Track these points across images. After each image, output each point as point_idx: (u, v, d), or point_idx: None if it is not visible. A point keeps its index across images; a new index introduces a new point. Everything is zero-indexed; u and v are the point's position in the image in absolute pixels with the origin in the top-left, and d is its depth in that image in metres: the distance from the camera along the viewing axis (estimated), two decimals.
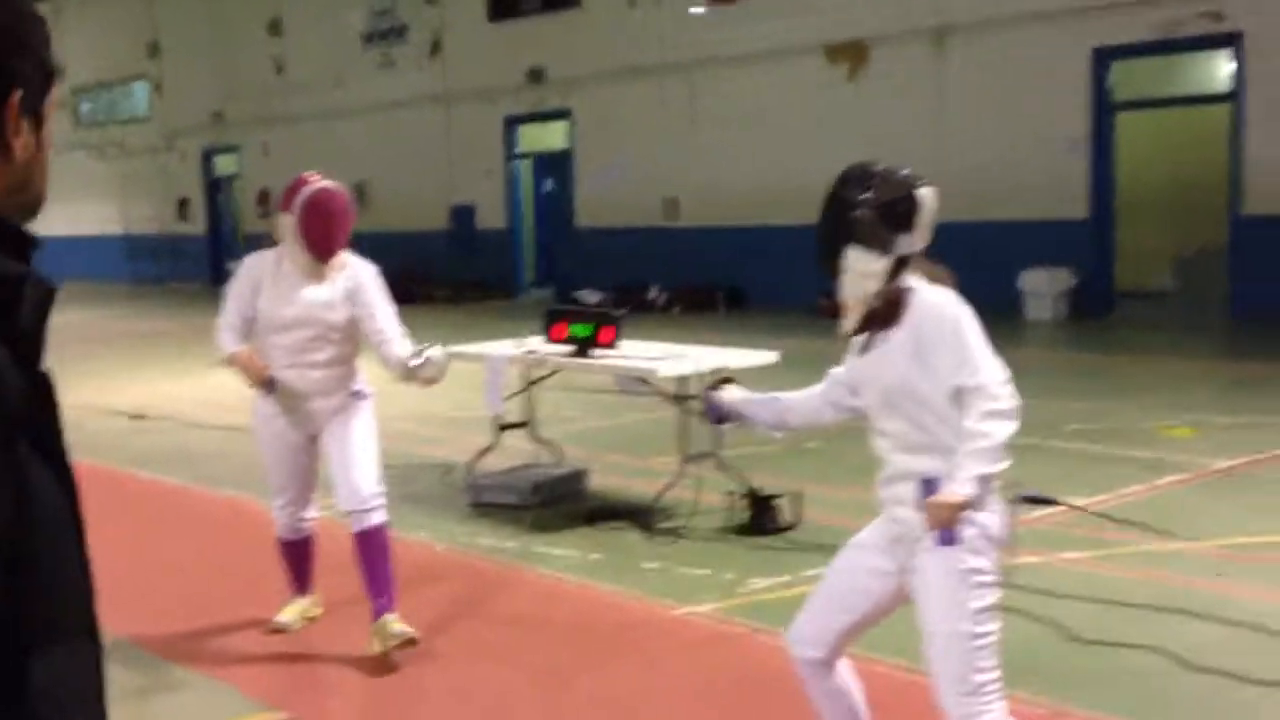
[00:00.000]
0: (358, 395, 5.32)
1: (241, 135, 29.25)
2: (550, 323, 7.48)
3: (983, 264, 16.63)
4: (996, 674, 3.26)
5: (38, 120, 1.40)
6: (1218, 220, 15.77)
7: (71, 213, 34.97)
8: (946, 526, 3.15)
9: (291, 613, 5.56)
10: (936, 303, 3.29)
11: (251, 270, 5.25)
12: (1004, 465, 3.19)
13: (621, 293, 20.01)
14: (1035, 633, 5.20)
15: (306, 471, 5.41)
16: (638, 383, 7.23)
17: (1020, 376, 11.60)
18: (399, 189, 25.01)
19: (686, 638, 5.33)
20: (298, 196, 5.09)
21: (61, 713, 1.26)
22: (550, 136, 22.89)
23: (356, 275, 5.23)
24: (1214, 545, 6.37)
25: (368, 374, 5.42)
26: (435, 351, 5.18)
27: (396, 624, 5.08)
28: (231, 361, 5.18)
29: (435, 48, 24.14)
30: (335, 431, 5.23)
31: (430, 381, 5.20)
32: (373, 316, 5.20)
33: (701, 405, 3.97)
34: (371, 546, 5.15)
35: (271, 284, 5.17)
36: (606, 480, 8.07)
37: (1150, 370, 12.49)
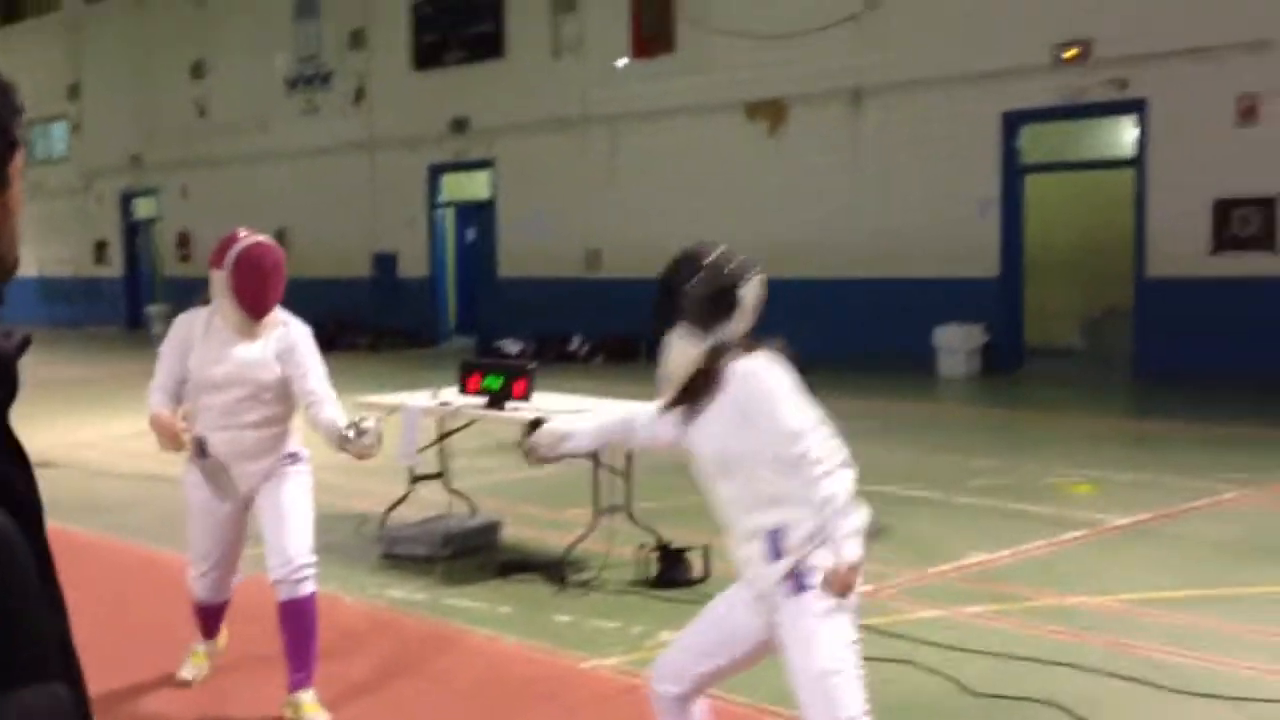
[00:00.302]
0: (293, 458, 5.17)
1: (161, 178, 29.05)
2: (465, 375, 7.55)
3: (897, 319, 17.00)
4: (865, 707, 3.37)
5: (2, 185, 1.40)
6: (1124, 281, 16.20)
7: None
8: (849, 589, 3.26)
9: (196, 661, 5.49)
10: (750, 369, 3.46)
11: (181, 330, 5.10)
12: (865, 512, 3.33)
13: (543, 342, 20.09)
14: (930, 685, 5.33)
15: (234, 540, 5.25)
16: None
17: (930, 431, 11.87)
18: (321, 236, 24.94)
19: (595, 691, 5.39)
20: (230, 252, 4.95)
21: None
22: (473, 186, 23.01)
23: (289, 335, 5.10)
24: (1110, 600, 6.56)
25: (302, 436, 5.31)
26: (371, 424, 5.02)
27: (314, 709, 5.00)
28: (151, 423, 4.97)
29: (359, 95, 24.19)
30: (269, 495, 5.08)
31: (365, 454, 5.04)
32: (305, 377, 5.05)
33: (523, 449, 4.09)
34: (298, 617, 5.01)
35: (202, 342, 5.02)
36: (520, 532, 8.12)
37: (1055, 427, 12.80)
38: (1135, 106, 15.40)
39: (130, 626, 6.37)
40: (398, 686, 5.49)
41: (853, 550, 3.26)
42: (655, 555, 6.98)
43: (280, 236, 25.63)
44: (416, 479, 8.11)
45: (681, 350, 3.52)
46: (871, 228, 17.58)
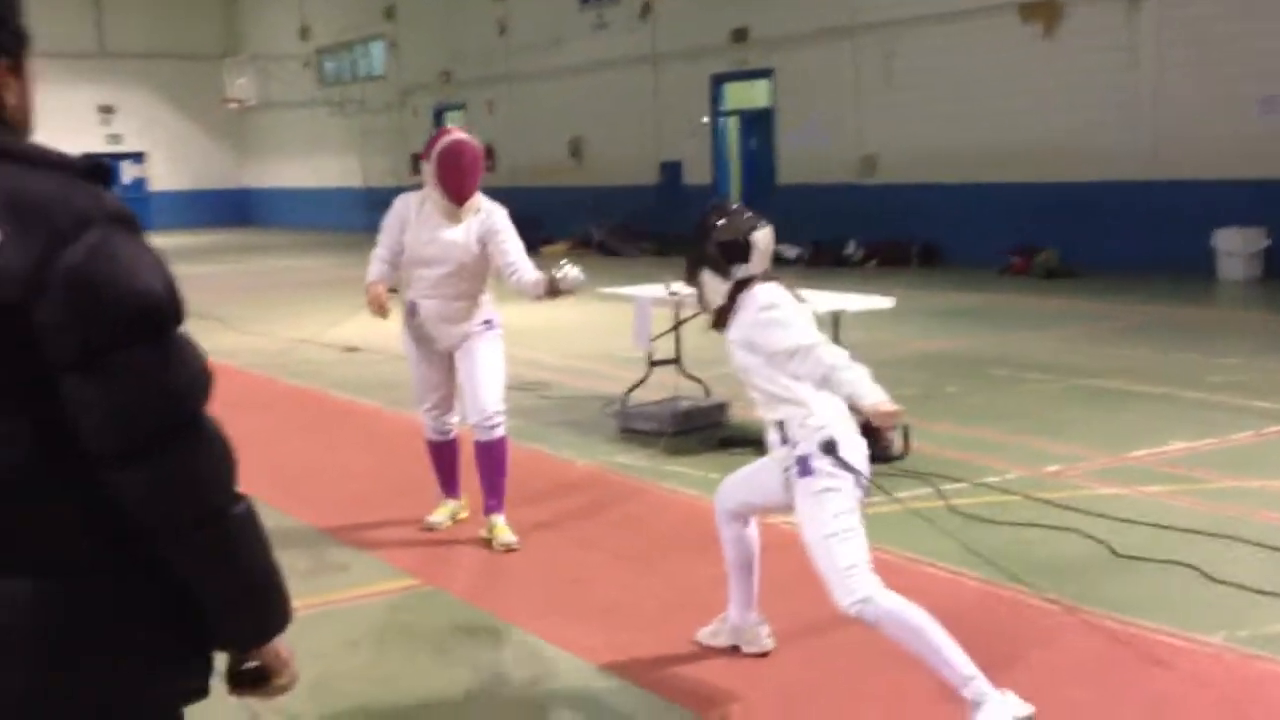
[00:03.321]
0: (488, 324, 6.06)
1: (469, 93, 30.77)
2: None
3: (1175, 223, 16.71)
4: (862, 558, 3.99)
5: (22, 71, 1.90)
6: None
7: (315, 166, 37.31)
8: (893, 421, 3.91)
9: (441, 514, 6.39)
10: (755, 296, 4.18)
11: (399, 210, 6.03)
12: (863, 369, 3.90)
13: (819, 247, 20.62)
14: (1082, 548, 5.79)
15: (446, 383, 6.19)
16: None
17: (1185, 332, 12.13)
18: (611, 146, 26.06)
19: (773, 541, 6.06)
20: (436, 146, 5.85)
21: None
22: (754, 94, 23.53)
23: (489, 218, 5.94)
24: None
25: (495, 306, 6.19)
26: (573, 269, 5.87)
27: (504, 530, 5.97)
28: (367, 289, 6.03)
29: (645, 9, 25.01)
30: (467, 354, 6.01)
31: (567, 293, 5.87)
32: (506, 253, 5.91)
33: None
34: (491, 456, 6.01)
35: (415, 223, 5.93)
36: (748, 413, 8.81)
37: None
38: None
39: (402, 480, 7.42)
40: (595, 528, 6.38)
41: (875, 395, 3.84)
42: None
43: (574, 147, 27.03)
44: (654, 364, 8.90)
45: (712, 289, 4.28)
46: (1149, 129, 17.25)
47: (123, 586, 1.85)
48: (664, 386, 8.95)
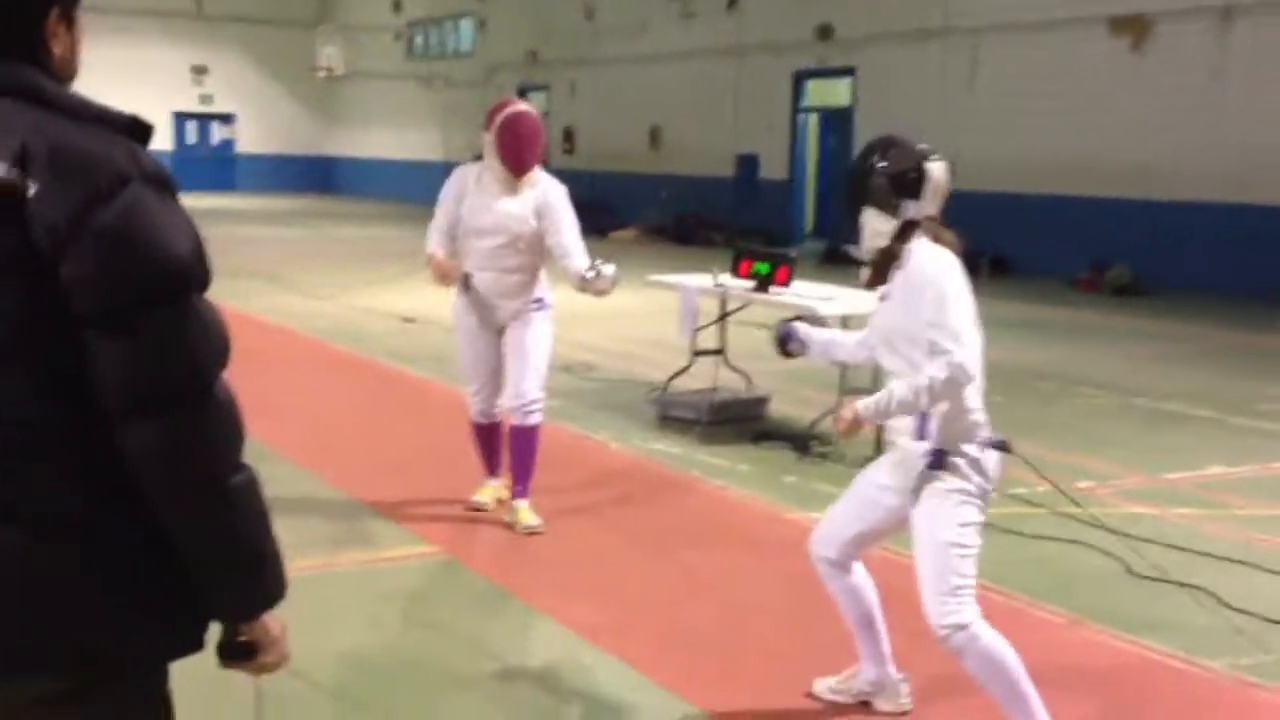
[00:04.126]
0: (539, 304, 6.01)
1: (553, 75, 30.90)
2: (737, 260, 8.33)
3: (1257, 247, 16.41)
4: (972, 580, 3.71)
5: (71, 22, 1.93)
6: None
7: (398, 137, 37.65)
8: (847, 434, 3.75)
9: (486, 494, 6.35)
10: (925, 259, 3.70)
11: (457, 181, 6.02)
12: (919, 407, 3.62)
13: None
14: (1101, 565, 5.78)
15: (494, 363, 6.10)
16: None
17: (1248, 359, 11.71)
18: (689, 135, 26.06)
19: (790, 536, 6.10)
20: (497, 117, 5.80)
21: None
22: (835, 92, 23.41)
23: (546, 193, 5.90)
24: None
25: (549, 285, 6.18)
26: (608, 267, 5.86)
27: (527, 514, 5.99)
28: (428, 261, 6.00)
29: (733, 1, 24.96)
30: (515, 334, 5.96)
31: (601, 293, 5.86)
32: (558, 231, 5.86)
33: (775, 335, 4.33)
34: (522, 441, 5.98)
35: (473, 194, 5.89)
36: (787, 409, 8.84)
37: None
38: None
39: (441, 453, 7.54)
40: (619, 512, 6.44)
41: (865, 406, 3.67)
42: None
43: (653, 135, 27.08)
44: (697, 354, 8.94)
45: (874, 229, 3.79)
46: (1237, 151, 16.94)
47: (112, 541, 1.87)
48: (711, 377, 8.99)
